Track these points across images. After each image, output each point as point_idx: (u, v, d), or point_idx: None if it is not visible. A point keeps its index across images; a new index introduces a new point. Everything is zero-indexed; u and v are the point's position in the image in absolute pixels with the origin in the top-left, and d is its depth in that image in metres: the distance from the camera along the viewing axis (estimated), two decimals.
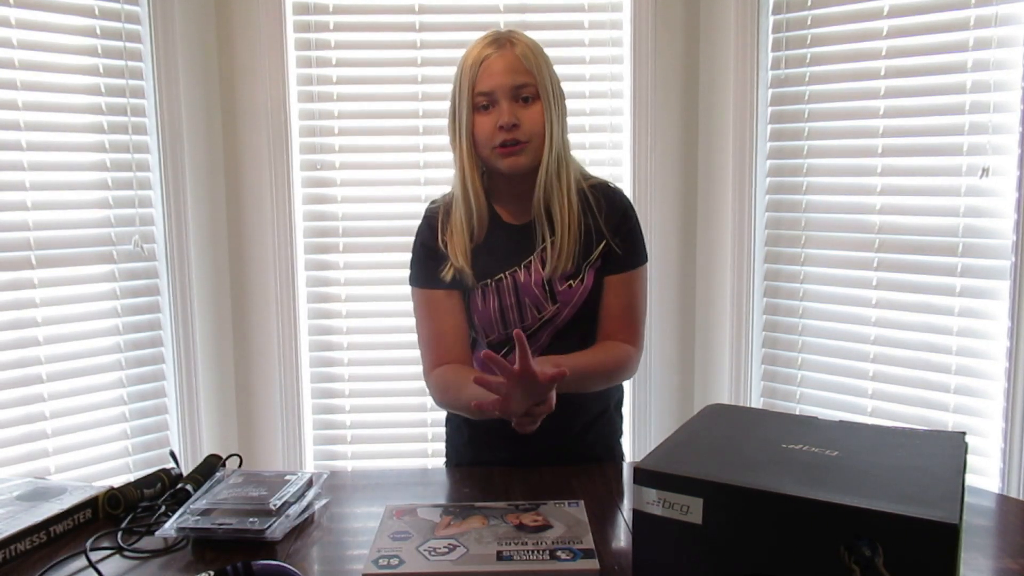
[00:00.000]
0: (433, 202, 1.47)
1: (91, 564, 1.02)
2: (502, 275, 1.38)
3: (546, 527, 1.10)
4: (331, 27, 2.34)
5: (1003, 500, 1.24)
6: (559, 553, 1.02)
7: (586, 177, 1.43)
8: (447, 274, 1.38)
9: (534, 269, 1.37)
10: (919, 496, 0.81)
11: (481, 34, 2.35)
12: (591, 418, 1.48)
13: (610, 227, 1.39)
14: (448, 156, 2.30)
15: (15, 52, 1.98)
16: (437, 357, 1.41)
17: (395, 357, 2.41)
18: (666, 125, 2.39)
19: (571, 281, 1.37)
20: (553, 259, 1.35)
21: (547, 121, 1.32)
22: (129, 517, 1.17)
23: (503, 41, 1.33)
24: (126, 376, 2.22)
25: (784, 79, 2.22)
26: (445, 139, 2.30)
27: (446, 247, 1.39)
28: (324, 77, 2.36)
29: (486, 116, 1.31)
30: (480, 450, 1.49)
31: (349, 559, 1.06)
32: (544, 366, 1.13)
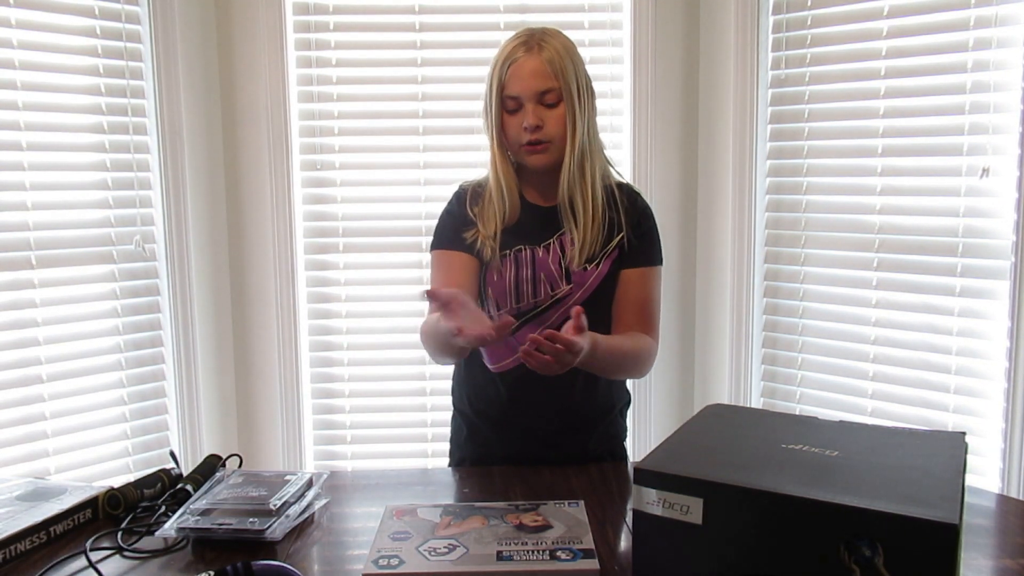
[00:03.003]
0: (467, 181, 1.52)
1: (91, 564, 1.03)
2: (522, 247, 1.42)
3: (546, 527, 1.10)
4: (331, 27, 2.34)
5: (1003, 500, 1.24)
6: (559, 553, 1.02)
7: (615, 178, 1.48)
8: (470, 237, 1.43)
9: (553, 250, 1.42)
10: (919, 496, 0.81)
11: (484, 34, 2.36)
12: (594, 417, 1.48)
13: (630, 222, 1.44)
14: (448, 156, 2.35)
15: (15, 52, 1.98)
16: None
17: (395, 357, 2.41)
18: (666, 125, 2.39)
19: (587, 265, 1.41)
20: (574, 247, 1.40)
21: (570, 122, 1.37)
22: (129, 517, 1.17)
23: (532, 44, 1.36)
24: (126, 376, 2.22)
25: (784, 79, 2.22)
26: (445, 139, 2.35)
27: (475, 216, 1.44)
28: (324, 77, 2.36)
29: (513, 117, 1.38)
30: (480, 446, 1.51)
31: (349, 559, 1.06)
32: (575, 335, 1.17)
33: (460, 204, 1.48)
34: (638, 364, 1.44)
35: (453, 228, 1.46)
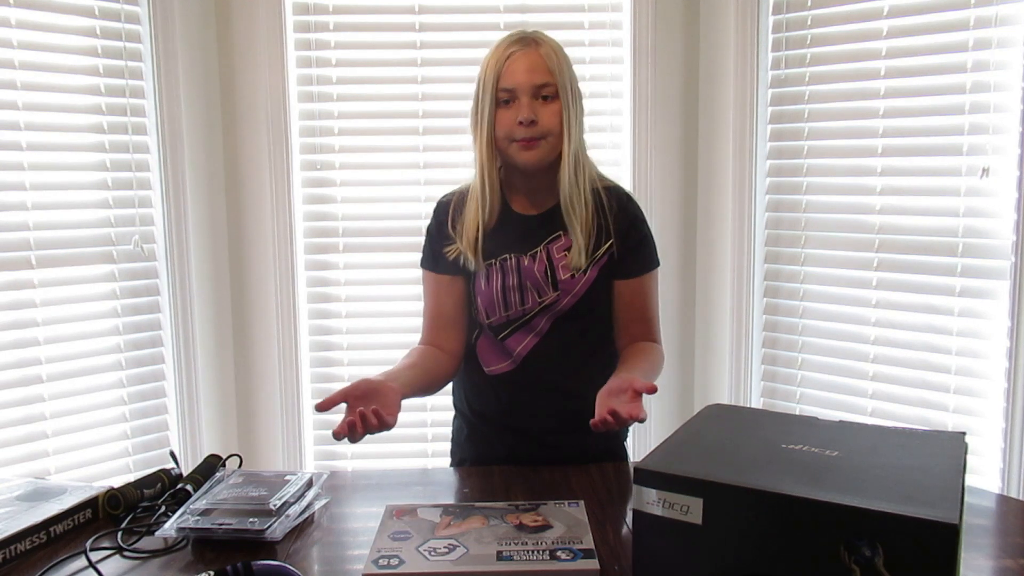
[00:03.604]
0: (447, 193, 1.51)
1: (91, 564, 1.02)
2: (507, 255, 1.42)
3: (546, 527, 1.10)
4: (331, 27, 2.34)
5: (1003, 500, 1.24)
6: (559, 553, 1.02)
7: (601, 178, 1.47)
8: (451, 255, 1.43)
9: (539, 258, 1.41)
10: (919, 496, 0.81)
11: (484, 34, 2.36)
12: (591, 416, 1.48)
13: (618, 230, 1.42)
14: (448, 156, 2.35)
15: (15, 52, 1.98)
16: (427, 335, 1.50)
17: (395, 358, 2.38)
18: (666, 125, 2.39)
19: (573, 272, 1.40)
20: (572, 249, 1.39)
21: (565, 119, 1.36)
22: (129, 517, 1.17)
23: (528, 40, 1.37)
24: (126, 376, 2.22)
25: (784, 79, 2.22)
26: (445, 139, 2.35)
27: (455, 232, 1.44)
28: (324, 77, 2.36)
29: (507, 111, 1.36)
30: (480, 447, 1.52)
31: (349, 559, 1.06)
32: (628, 380, 1.20)
33: (439, 222, 1.47)
34: (657, 375, 1.44)
35: (432, 250, 1.47)
